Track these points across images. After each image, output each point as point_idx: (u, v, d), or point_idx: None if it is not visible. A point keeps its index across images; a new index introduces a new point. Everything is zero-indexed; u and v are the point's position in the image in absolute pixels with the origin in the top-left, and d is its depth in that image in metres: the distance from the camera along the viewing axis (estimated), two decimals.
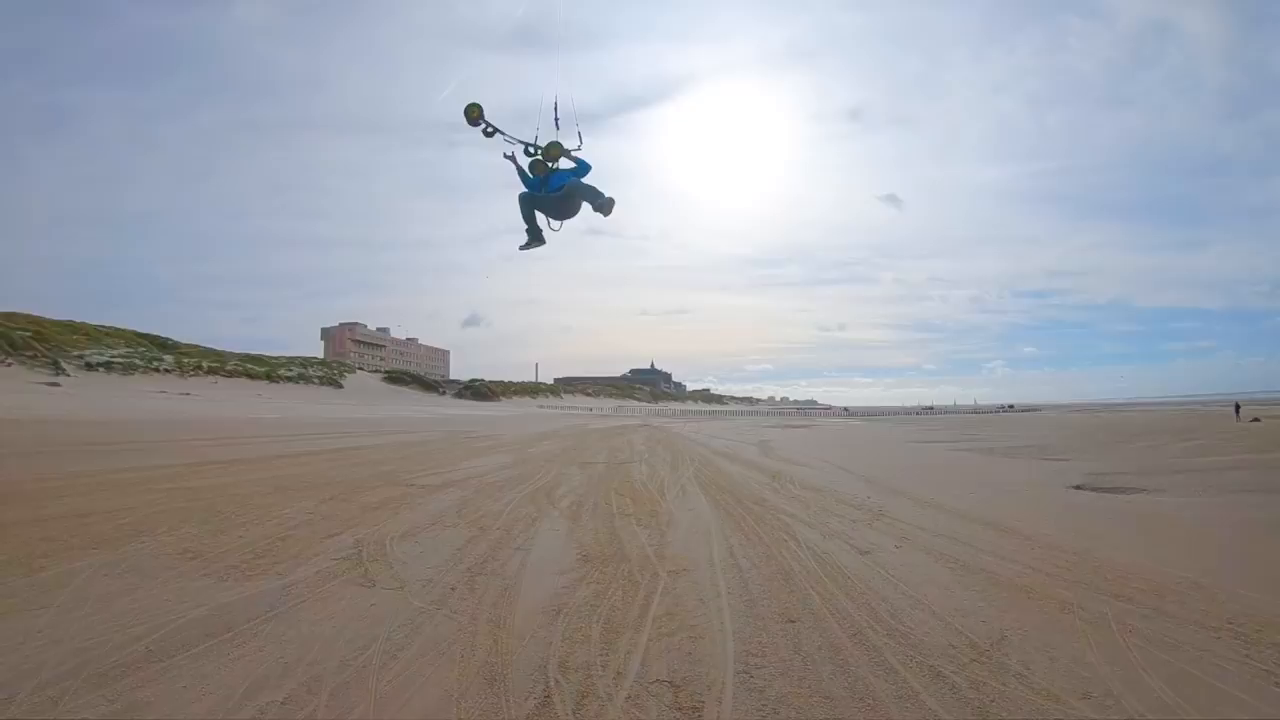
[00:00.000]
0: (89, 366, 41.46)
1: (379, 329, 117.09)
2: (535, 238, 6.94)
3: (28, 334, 40.41)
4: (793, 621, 3.84)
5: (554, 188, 6.65)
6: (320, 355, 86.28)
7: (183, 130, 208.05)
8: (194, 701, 2.90)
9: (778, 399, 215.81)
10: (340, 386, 64.06)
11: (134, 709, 2.84)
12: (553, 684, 3.06)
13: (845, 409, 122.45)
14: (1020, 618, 3.96)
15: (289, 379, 58.61)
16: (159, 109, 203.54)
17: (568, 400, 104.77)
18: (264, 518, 6.75)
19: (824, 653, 3.39)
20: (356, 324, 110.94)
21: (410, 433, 24.09)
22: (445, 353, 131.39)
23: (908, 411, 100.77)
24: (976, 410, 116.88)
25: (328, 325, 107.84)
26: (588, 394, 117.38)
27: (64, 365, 39.20)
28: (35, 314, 46.58)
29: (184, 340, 57.23)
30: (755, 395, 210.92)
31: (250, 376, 54.42)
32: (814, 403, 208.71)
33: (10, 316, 43.39)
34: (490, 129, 6.70)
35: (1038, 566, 5.16)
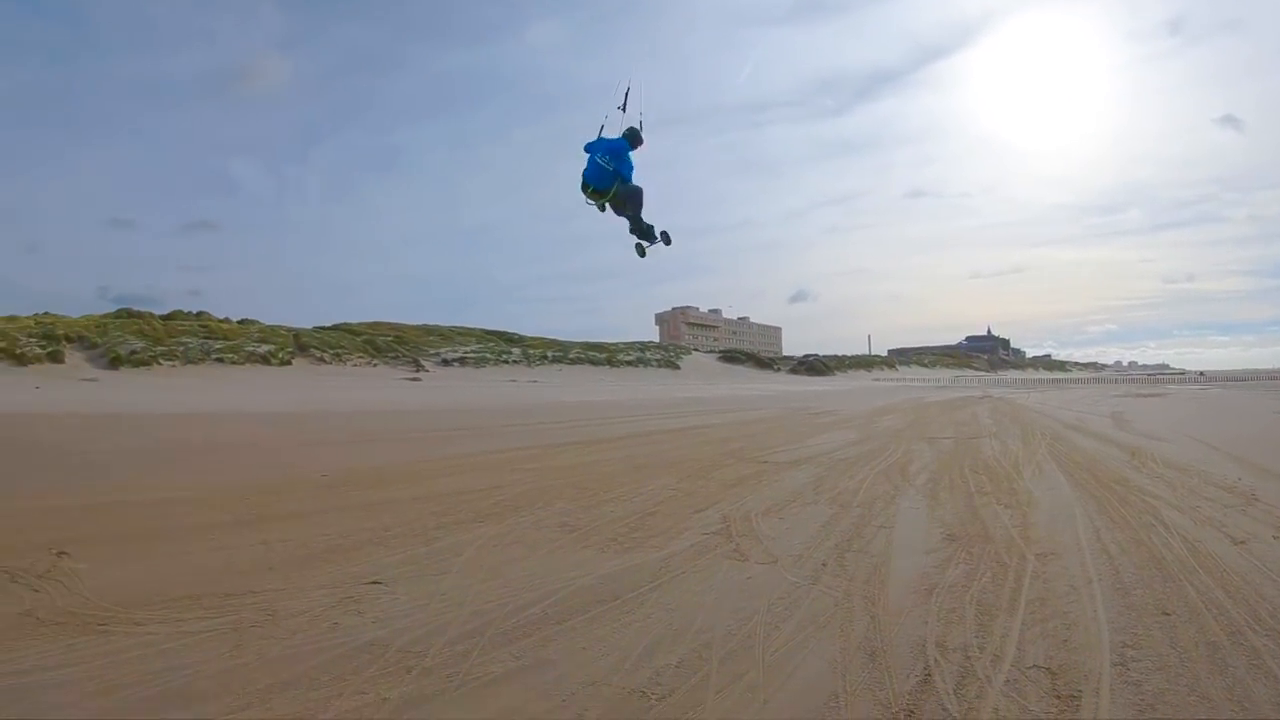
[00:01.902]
0: (445, 363, 50.25)
1: (710, 310, 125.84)
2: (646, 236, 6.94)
3: (390, 339, 50.30)
4: (1167, 614, 3.87)
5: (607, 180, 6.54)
6: (655, 339, 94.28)
7: (504, 149, 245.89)
8: (596, 660, 3.33)
9: (1124, 364, 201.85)
10: (677, 368, 69.39)
11: (541, 665, 3.28)
12: (932, 663, 3.25)
13: (1200, 374, 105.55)
14: None
15: (628, 363, 64.89)
16: (480, 134, 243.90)
17: (902, 372, 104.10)
18: (629, 494, 7.55)
19: (1201, 650, 3.39)
20: (689, 307, 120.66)
21: (751, 410, 25.03)
22: (777, 330, 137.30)
23: (1273, 375, 79.62)
24: None
25: (660, 310, 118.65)
26: (923, 365, 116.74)
27: (423, 363, 47.93)
28: (395, 321, 57.87)
29: (529, 334, 66.56)
30: (1099, 360, 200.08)
31: (592, 363, 61.38)
32: (1165, 367, 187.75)
33: (374, 325, 54.60)
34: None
35: None
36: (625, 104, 7.06)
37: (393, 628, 3.70)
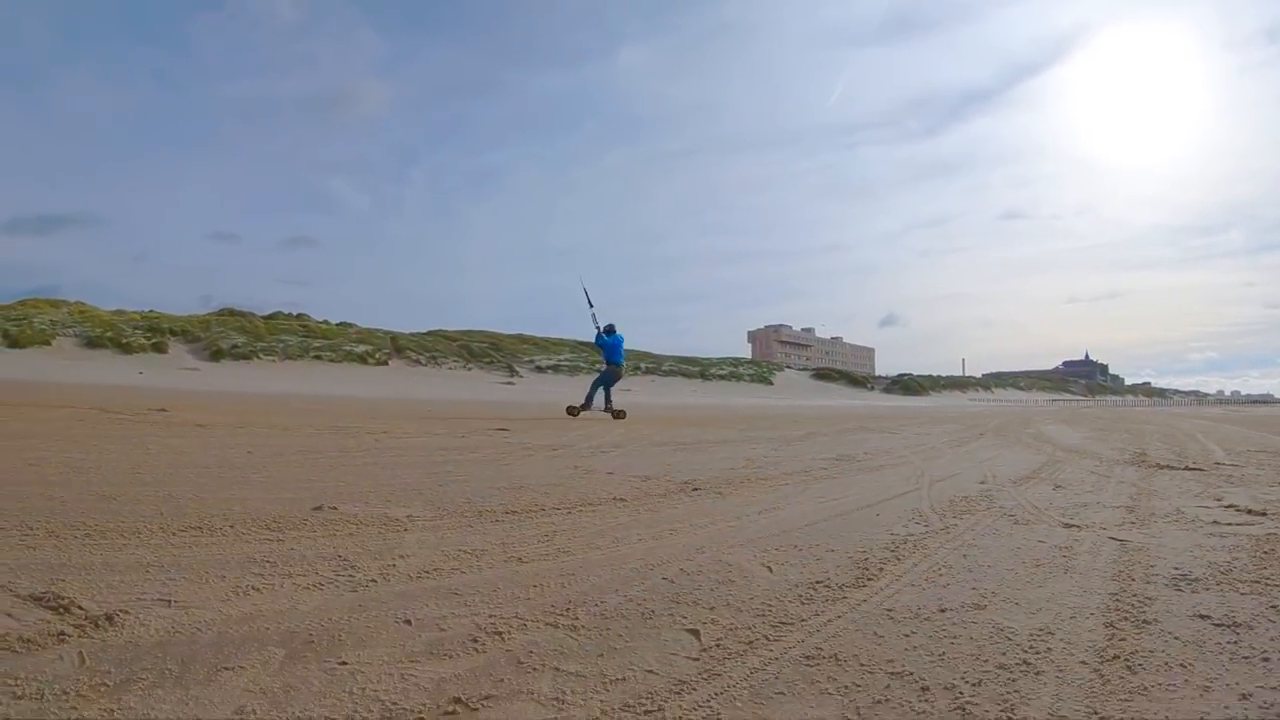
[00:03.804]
0: (538, 369, 49.19)
1: (803, 329, 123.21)
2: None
3: (485, 345, 49.85)
4: None
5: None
6: (748, 357, 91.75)
7: (594, 171, 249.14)
8: None
9: (1226, 393, 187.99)
10: (770, 383, 66.88)
11: None
12: None
13: None
14: None
15: (721, 377, 62.60)
16: (570, 156, 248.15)
17: (999, 394, 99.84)
18: None
19: None
20: (782, 326, 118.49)
21: (916, 417, 22.51)
22: (870, 350, 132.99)
23: None
24: None
25: (753, 329, 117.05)
26: (1019, 388, 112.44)
27: (517, 369, 47.10)
28: (490, 330, 57.36)
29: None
30: (1200, 389, 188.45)
31: (685, 375, 59.25)
32: (1270, 396, 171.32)
33: (468, 333, 54.01)
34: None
35: None
36: (590, 299, 12.31)
37: None
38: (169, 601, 2.06)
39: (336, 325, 43.76)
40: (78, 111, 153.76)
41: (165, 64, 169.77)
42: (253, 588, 2.24)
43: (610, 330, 12.09)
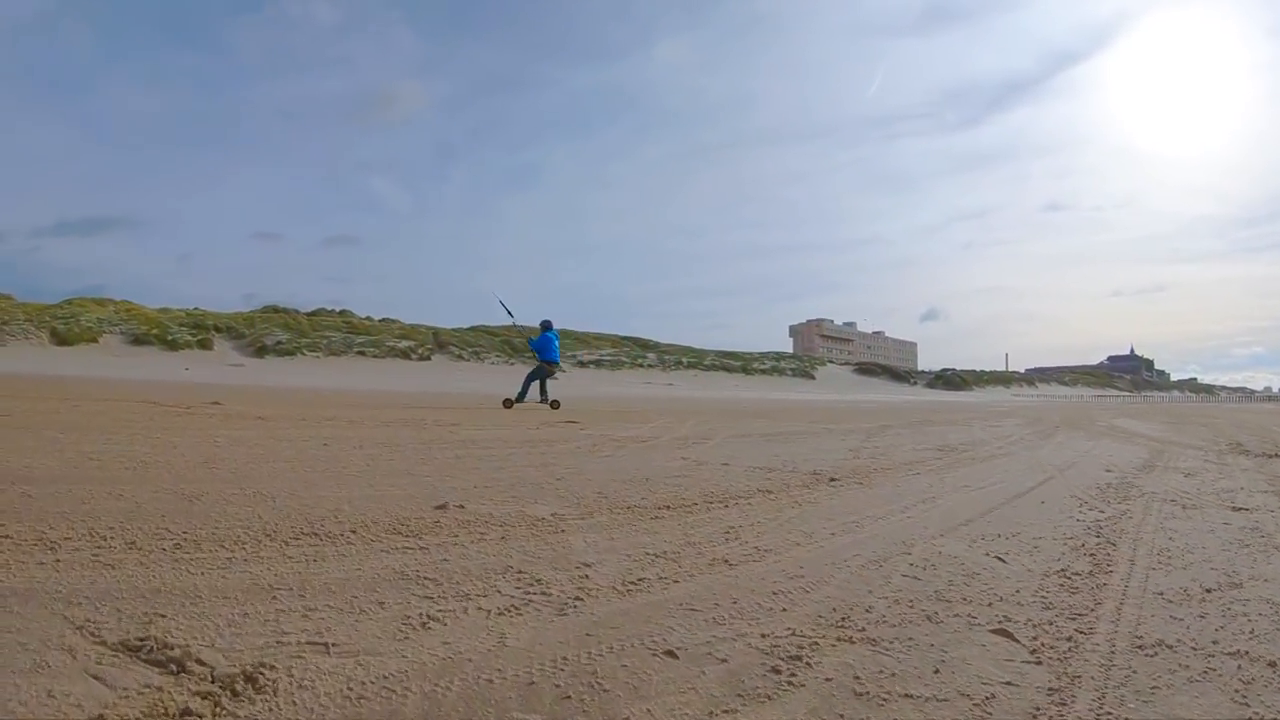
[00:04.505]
0: (581, 364, 48.61)
1: (845, 324, 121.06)
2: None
3: (526, 340, 49.31)
4: None
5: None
6: (789, 351, 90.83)
7: (632, 166, 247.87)
8: None
9: (1275, 390, 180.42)
10: (812, 378, 65.97)
11: None
12: None
13: None
14: None
15: (762, 372, 61.80)
16: (608, 151, 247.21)
17: (1043, 389, 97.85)
18: None
19: None
20: (823, 320, 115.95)
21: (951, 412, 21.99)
22: (912, 345, 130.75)
23: None
24: None
25: (795, 323, 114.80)
26: (1063, 383, 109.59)
27: (560, 363, 46.58)
28: (531, 325, 56.90)
29: (663, 342, 64.08)
30: (1248, 385, 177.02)
31: (727, 370, 58.48)
32: None
33: (510, 328, 53.55)
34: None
35: None
36: (509, 310, 14.27)
37: None
38: (325, 645, 1.43)
39: (379, 321, 43.71)
40: (121, 116, 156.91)
41: (206, 67, 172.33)
42: (429, 617, 1.63)
43: (547, 326, 12.78)
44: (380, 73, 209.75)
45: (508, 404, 11.38)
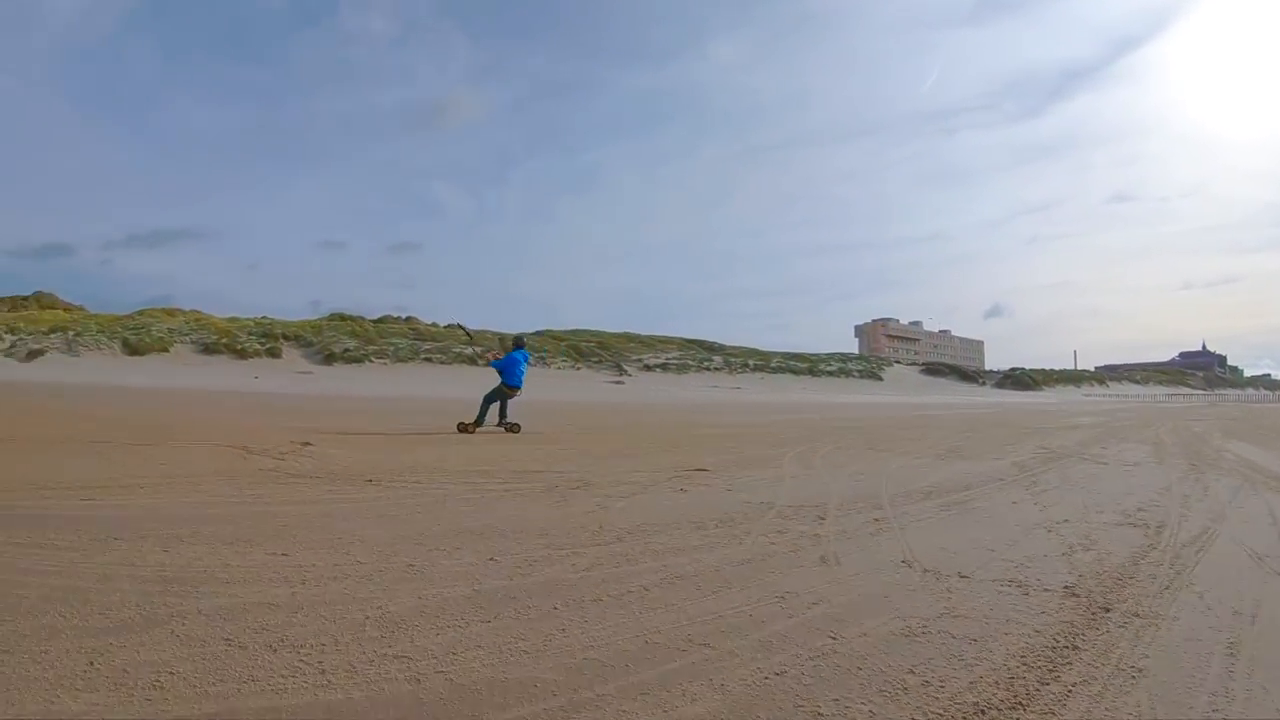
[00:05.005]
0: (647, 368, 47.77)
1: (911, 323, 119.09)
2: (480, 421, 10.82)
3: (592, 344, 48.87)
4: None
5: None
6: (855, 352, 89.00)
7: (689, 167, 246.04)
8: None
9: None
10: (880, 379, 64.53)
11: None
12: None
13: None
14: None
15: (829, 373, 60.22)
16: (663, 154, 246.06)
17: (1114, 388, 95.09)
18: None
19: None
20: (889, 320, 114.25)
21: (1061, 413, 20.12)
22: (979, 343, 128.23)
23: None
24: None
25: (860, 323, 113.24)
26: (1135, 381, 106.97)
27: (625, 368, 45.76)
28: (596, 329, 56.35)
29: (728, 344, 62.93)
30: None
31: (793, 372, 56.97)
32: None
33: (575, 332, 53.18)
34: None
35: None
36: (468, 333, 15.98)
37: None
38: None
39: (444, 327, 43.43)
40: (188, 130, 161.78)
41: (268, 82, 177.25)
42: None
43: (519, 344, 11.91)
44: (438, 81, 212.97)
45: (463, 428, 10.54)
